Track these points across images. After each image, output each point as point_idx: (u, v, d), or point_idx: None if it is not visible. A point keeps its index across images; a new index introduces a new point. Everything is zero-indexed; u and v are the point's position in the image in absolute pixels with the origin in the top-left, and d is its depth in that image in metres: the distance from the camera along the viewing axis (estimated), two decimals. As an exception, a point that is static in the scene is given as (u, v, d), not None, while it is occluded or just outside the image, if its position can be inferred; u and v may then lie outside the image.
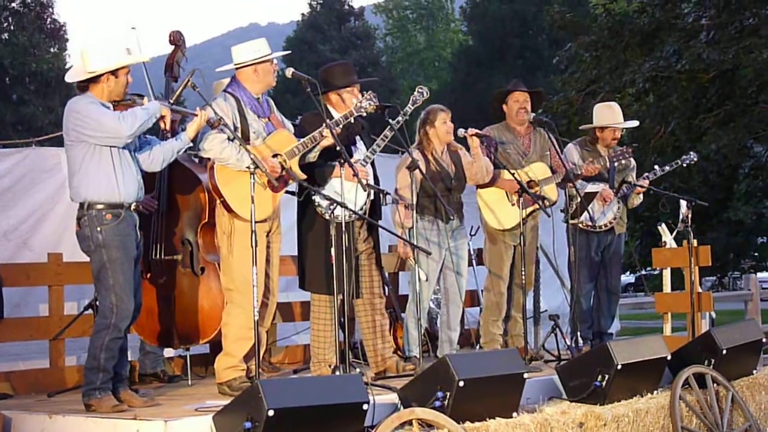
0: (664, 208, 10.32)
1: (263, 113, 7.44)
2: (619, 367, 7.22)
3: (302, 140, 7.32)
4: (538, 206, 8.77)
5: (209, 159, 7.27)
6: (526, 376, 6.81)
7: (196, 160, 8.42)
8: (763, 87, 18.54)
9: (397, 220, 8.41)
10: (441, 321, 8.86)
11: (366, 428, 5.95)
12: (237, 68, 7.44)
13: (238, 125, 7.22)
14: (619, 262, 9.95)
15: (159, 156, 6.91)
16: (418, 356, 8.14)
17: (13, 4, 37.38)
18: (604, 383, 7.25)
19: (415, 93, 8.14)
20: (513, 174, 8.70)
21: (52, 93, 35.78)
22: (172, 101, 7.44)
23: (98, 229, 6.55)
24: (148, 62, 7.14)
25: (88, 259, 6.70)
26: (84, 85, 6.70)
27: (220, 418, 5.78)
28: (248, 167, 6.78)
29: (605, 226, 9.53)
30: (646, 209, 19.45)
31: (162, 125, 6.72)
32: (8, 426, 6.49)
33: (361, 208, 7.67)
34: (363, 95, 7.61)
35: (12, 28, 36.88)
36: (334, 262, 7.13)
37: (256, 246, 6.73)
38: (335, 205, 7.10)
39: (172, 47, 8.60)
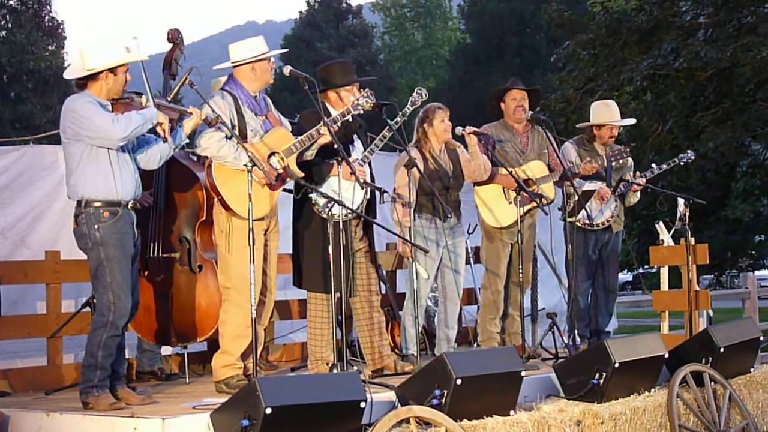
0: (661, 206, 10.35)
1: (261, 111, 7.44)
2: (617, 365, 7.23)
3: (300, 138, 7.32)
4: (535, 204, 8.79)
5: (207, 157, 7.27)
6: (523, 374, 6.82)
7: (195, 158, 8.42)
8: (760, 85, 18.55)
9: (395, 219, 8.42)
10: (438, 319, 8.86)
11: (363, 426, 5.96)
12: (234, 66, 7.43)
13: (236, 123, 7.22)
14: (616, 260, 9.97)
15: (156, 154, 6.92)
16: (415, 354, 8.16)
17: (11, 2, 37.38)
18: (601, 381, 7.26)
19: (414, 94, 8.15)
20: (511, 172, 8.70)
21: (50, 91, 35.76)
22: (169, 99, 7.44)
23: (95, 226, 6.55)
24: (146, 61, 7.12)
25: (85, 256, 6.70)
26: (82, 83, 6.70)
27: (218, 415, 5.78)
28: (246, 165, 6.78)
29: (603, 224, 9.55)
30: (644, 207, 19.47)
31: (161, 132, 6.69)
32: (6, 424, 6.49)
33: (358, 207, 7.67)
34: (360, 93, 7.61)
35: (10, 25, 36.86)
36: (331, 260, 7.13)
37: (253, 244, 6.73)
38: (332, 203, 7.11)
39: (170, 45, 8.59)
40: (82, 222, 6.60)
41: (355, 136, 7.99)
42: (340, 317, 7.64)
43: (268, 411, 5.40)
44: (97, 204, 6.57)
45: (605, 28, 20.44)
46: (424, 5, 58.59)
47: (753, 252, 31.67)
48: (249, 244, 6.71)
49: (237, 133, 7.09)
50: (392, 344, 9.04)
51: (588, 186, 9.45)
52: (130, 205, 6.72)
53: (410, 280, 8.26)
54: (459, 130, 8.53)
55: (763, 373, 8.69)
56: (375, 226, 7.94)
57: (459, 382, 6.26)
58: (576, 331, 9.05)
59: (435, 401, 6.27)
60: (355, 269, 7.87)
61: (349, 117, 7.55)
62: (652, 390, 7.69)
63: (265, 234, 7.37)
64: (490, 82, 36.58)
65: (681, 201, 9.63)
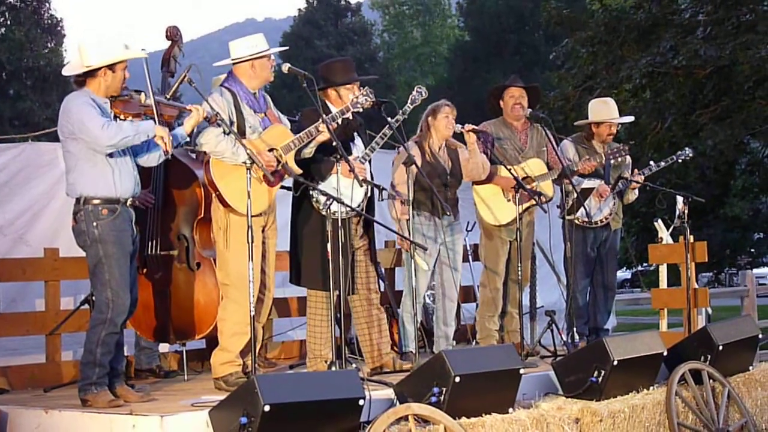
0: (660, 204, 10.33)
1: (260, 108, 7.44)
2: (615, 362, 7.23)
3: (298, 135, 7.32)
4: (534, 202, 8.79)
5: (205, 153, 7.27)
6: (522, 371, 6.83)
7: (194, 155, 8.42)
8: (759, 83, 18.55)
9: (393, 216, 8.43)
10: (436, 316, 8.87)
11: (362, 424, 5.96)
12: (234, 63, 7.43)
13: (234, 120, 7.21)
14: (615, 257, 9.98)
15: (156, 153, 6.91)
16: (414, 352, 8.16)
17: (10, 0, 37.33)
18: (600, 379, 7.26)
19: (414, 92, 8.16)
20: (509, 170, 8.71)
21: (49, 88, 35.70)
22: (168, 96, 7.44)
23: (94, 224, 6.55)
24: (145, 58, 7.12)
25: (84, 254, 6.70)
26: (81, 80, 6.69)
27: (216, 413, 5.78)
28: (244, 162, 6.77)
29: (601, 221, 9.56)
30: (643, 205, 19.47)
31: (162, 146, 6.66)
32: (4, 421, 6.49)
33: (359, 205, 7.67)
34: (359, 91, 7.61)
35: (9, 23, 36.80)
36: (330, 258, 7.13)
37: (252, 242, 6.73)
38: (332, 200, 7.11)
39: (169, 42, 8.59)
40: (80, 219, 6.60)
41: (355, 134, 7.99)
42: (338, 315, 7.64)
43: (267, 408, 5.40)
44: (96, 201, 6.57)
45: (604, 25, 20.45)
46: (423, 3, 58.52)
47: (752, 250, 31.72)
48: (248, 242, 6.71)
49: (235, 130, 7.09)
50: (392, 342, 9.05)
51: (587, 184, 9.46)
52: (128, 202, 6.72)
53: (408, 278, 8.27)
54: (458, 127, 8.53)
55: (762, 371, 8.69)
56: (375, 224, 7.94)
57: (458, 379, 6.26)
58: (575, 329, 9.05)
59: (434, 399, 6.27)
60: (355, 267, 7.87)
61: (348, 115, 7.55)
62: (651, 388, 7.69)
63: (263, 231, 7.37)
64: (489, 79, 36.65)
65: (680, 199, 9.63)
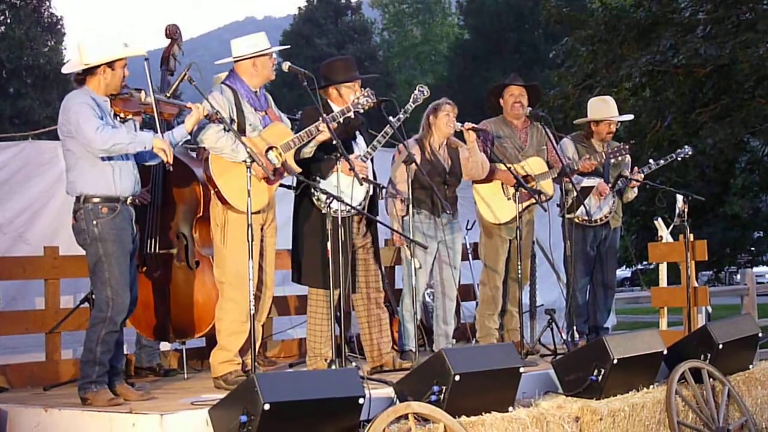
0: (660, 202, 10.33)
1: (260, 107, 7.44)
2: (615, 361, 7.24)
3: (298, 134, 7.32)
4: (534, 201, 8.79)
5: (205, 150, 7.27)
6: (522, 370, 6.83)
7: (194, 154, 8.43)
8: (759, 82, 18.53)
9: (392, 212, 8.44)
10: (436, 315, 8.87)
11: (362, 422, 5.96)
12: (235, 61, 7.44)
13: (234, 118, 7.21)
14: (614, 256, 9.98)
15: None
16: (414, 350, 8.16)
17: (10, -2, 37.36)
18: (600, 378, 7.26)
19: (416, 91, 8.17)
20: (509, 168, 8.71)
21: (49, 87, 35.71)
22: (168, 95, 7.43)
23: (94, 222, 6.55)
24: (145, 57, 7.12)
25: (84, 252, 6.70)
26: (81, 78, 6.70)
27: (216, 411, 5.78)
28: (244, 161, 6.77)
29: (601, 220, 9.56)
30: (643, 204, 19.45)
31: (164, 157, 6.65)
32: (4, 419, 6.49)
33: (360, 203, 7.66)
34: (361, 92, 7.61)
35: (9, 21, 36.79)
36: (330, 256, 7.13)
37: (252, 240, 6.72)
38: (332, 199, 7.12)
39: (168, 41, 8.59)
40: (80, 218, 6.60)
41: (357, 132, 7.99)
42: (338, 313, 7.64)
43: (267, 407, 5.41)
44: (96, 200, 6.57)
45: (604, 24, 20.43)
46: (423, 1, 58.52)
47: (752, 248, 31.72)
48: (248, 240, 6.70)
49: (236, 128, 7.09)
50: (392, 341, 9.04)
51: (586, 182, 9.46)
52: (128, 201, 6.72)
53: (408, 276, 8.27)
54: (458, 126, 8.53)
55: (762, 369, 8.69)
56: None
57: (457, 378, 6.27)
58: (574, 328, 9.05)
59: (433, 397, 6.28)
60: (356, 265, 7.87)
61: (350, 114, 7.55)
62: (651, 386, 7.70)
63: (261, 229, 7.36)
64: (489, 78, 36.66)
65: (680, 197, 9.63)
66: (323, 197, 7.38)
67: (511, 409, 6.65)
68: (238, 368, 7.22)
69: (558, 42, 23.39)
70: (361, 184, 7.51)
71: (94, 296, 6.85)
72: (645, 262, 26.42)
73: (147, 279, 7.92)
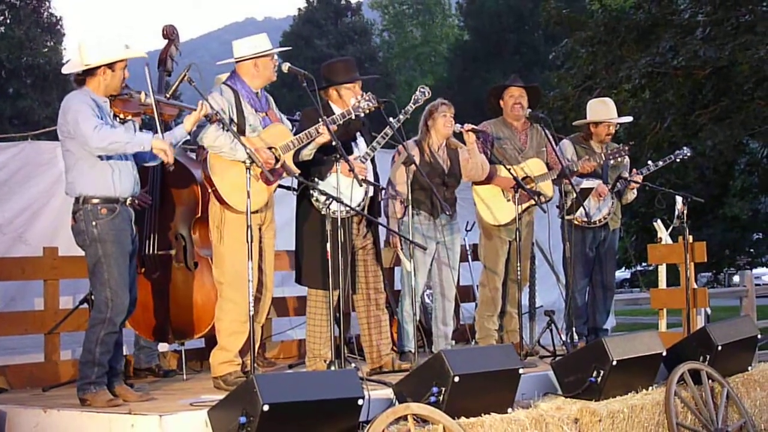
0: (659, 204, 10.33)
1: (261, 108, 7.44)
2: (615, 363, 7.24)
3: (298, 135, 7.32)
4: (533, 202, 8.79)
5: (203, 149, 7.27)
6: (521, 371, 6.83)
7: (193, 155, 8.43)
8: (759, 83, 18.53)
9: (391, 212, 8.44)
10: (434, 316, 8.87)
11: (361, 423, 5.96)
12: (237, 62, 7.44)
13: (235, 119, 7.21)
14: (613, 257, 9.98)
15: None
16: (413, 351, 8.16)
17: (10, -2, 37.35)
18: (599, 379, 7.27)
19: (417, 92, 8.16)
20: (509, 169, 8.71)
21: (48, 87, 35.69)
22: (168, 96, 7.43)
23: (93, 223, 6.55)
24: (145, 58, 7.12)
25: (83, 253, 6.70)
26: (81, 79, 6.70)
27: (215, 412, 5.78)
28: (244, 162, 6.76)
29: (600, 221, 9.56)
30: (642, 205, 19.46)
31: (164, 158, 6.64)
32: (3, 420, 6.49)
33: (359, 204, 7.66)
34: (362, 96, 7.61)
35: (9, 21, 36.79)
36: (330, 257, 7.13)
37: (251, 241, 6.72)
38: (331, 200, 7.12)
39: (166, 41, 8.58)
40: (80, 219, 6.60)
41: (358, 133, 7.98)
42: (338, 314, 7.64)
43: (266, 408, 5.40)
44: (95, 201, 6.57)
45: (604, 26, 20.43)
46: (423, 2, 58.54)
47: (751, 250, 31.71)
48: (247, 241, 6.70)
49: (235, 129, 7.08)
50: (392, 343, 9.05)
51: (586, 184, 9.45)
52: (128, 202, 6.72)
53: (406, 278, 8.27)
54: (457, 127, 8.53)
55: (761, 371, 8.69)
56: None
57: (457, 379, 6.27)
58: (574, 329, 9.06)
59: (433, 398, 6.28)
60: (356, 266, 7.87)
61: (351, 117, 7.55)
62: (650, 388, 7.70)
63: (260, 230, 7.36)
64: (489, 79, 36.63)
65: (679, 199, 9.63)
66: (322, 198, 7.38)
67: (510, 410, 6.65)
68: (237, 369, 7.22)
69: (558, 43, 23.38)
70: (361, 185, 7.51)
71: (93, 297, 6.85)
72: (644, 264, 26.45)
73: (146, 280, 7.92)
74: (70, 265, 8.10)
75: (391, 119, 7.89)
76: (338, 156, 7.33)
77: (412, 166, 7.87)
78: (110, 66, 6.66)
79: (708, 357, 8.10)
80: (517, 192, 8.59)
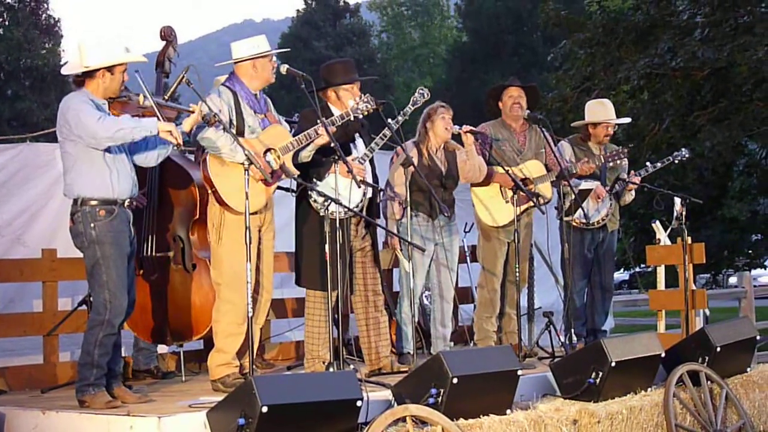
0: (658, 205, 10.34)
1: (260, 109, 7.44)
2: (613, 364, 7.23)
3: (297, 137, 7.32)
4: (532, 204, 8.79)
5: (202, 151, 7.26)
6: (519, 373, 6.82)
7: (191, 157, 8.42)
8: (757, 85, 18.53)
9: (390, 213, 8.45)
10: (433, 318, 8.87)
11: (359, 425, 5.96)
12: (236, 63, 7.44)
13: (233, 120, 7.21)
14: (612, 258, 9.97)
15: (153, 151, 6.91)
16: (411, 353, 8.16)
17: (8, 0, 37.29)
18: (598, 380, 7.26)
19: (416, 94, 8.16)
20: (507, 171, 8.71)
21: (47, 89, 35.68)
22: (166, 97, 7.44)
23: (92, 225, 6.55)
24: (145, 62, 7.12)
25: (82, 255, 6.70)
26: (80, 80, 6.70)
27: (214, 414, 5.78)
28: (242, 163, 6.76)
29: (598, 223, 9.56)
30: (641, 207, 19.47)
31: (172, 141, 6.64)
32: (2, 422, 6.50)
33: (357, 205, 7.66)
34: (360, 97, 7.61)
35: (7, 23, 36.78)
36: (328, 258, 7.13)
37: (250, 243, 6.72)
38: (329, 201, 7.12)
39: (163, 43, 8.58)
40: (78, 220, 6.60)
41: (357, 135, 7.98)
42: (336, 316, 7.63)
43: (264, 410, 5.40)
44: (93, 202, 6.57)
45: (602, 27, 20.43)
46: (422, 4, 58.55)
47: (750, 251, 31.68)
48: (246, 243, 6.69)
49: (234, 131, 7.08)
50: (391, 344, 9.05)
51: (584, 185, 9.45)
52: (126, 203, 6.71)
53: (405, 279, 8.26)
54: (456, 128, 8.54)
55: (760, 372, 8.68)
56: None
57: (455, 381, 6.26)
58: (572, 330, 9.06)
59: (431, 400, 6.27)
60: (355, 268, 7.87)
61: (350, 118, 7.54)
62: (649, 389, 7.69)
63: (259, 231, 7.36)
64: (487, 80, 36.62)
65: (678, 200, 9.62)
66: (320, 199, 7.38)
67: (509, 411, 6.64)
68: (235, 371, 7.22)
69: (556, 45, 23.40)
70: (359, 187, 7.51)
71: (91, 299, 6.85)
72: (643, 265, 26.41)
73: (144, 282, 7.92)
74: (68, 266, 8.10)
75: (389, 120, 7.89)
76: (337, 157, 7.33)
77: (411, 168, 7.88)
78: (110, 69, 6.66)
79: (707, 358, 8.10)
80: (516, 193, 8.59)
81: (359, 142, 7.98)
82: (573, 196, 9.08)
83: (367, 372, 7.87)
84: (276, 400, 5.48)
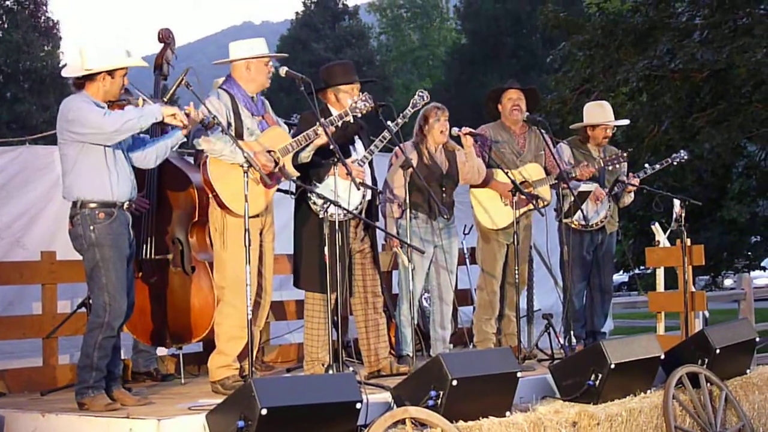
0: (657, 207, 10.33)
1: (258, 112, 7.45)
2: (613, 366, 7.23)
3: (296, 138, 7.32)
4: (531, 206, 8.79)
5: (201, 152, 7.27)
6: (519, 375, 6.82)
7: (190, 159, 8.42)
8: (756, 86, 18.52)
9: (388, 212, 8.45)
10: (432, 320, 8.87)
11: (359, 427, 5.96)
12: (231, 62, 7.44)
13: (232, 122, 7.22)
14: (611, 260, 9.96)
15: (152, 153, 6.91)
16: (411, 355, 8.16)
17: (7, 2, 37.28)
18: (597, 382, 7.26)
19: (416, 96, 8.18)
20: (507, 173, 8.70)
21: (46, 91, 35.70)
22: (165, 100, 7.43)
23: (91, 227, 6.55)
24: (146, 67, 7.12)
25: (81, 257, 6.69)
26: (80, 83, 6.70)
27: (213, 416, 5.78)
28: (242, 165, 6.76)
29: (597, 224, 9.55)
30: (640, 208, 19.45)
31: (178, 124, 6.64)
32: (1, 424, 6.49)
33: (356, 208, 7.66)
34: (359, 96, 7.61)
35: (6, 25, 36.79)
36: (327, 260, 7.13)
37: (249, 245, 6.72)
38: (329, 203, 7.12)
39: (161, 45, 8.57)
40: (77, 223, 6.60)
41: (356, 137, 7.98)
42: (336, 318, 7.63)
43: (264, 412, 5.40)
44: (93, 205, 6.57)
45: (601, 29, 20.42)
46: (421, 6, 58.59)
47: (749, 253, 31.69)
48: (245, 245, 6.69)
49: (233, 133, 7.08)
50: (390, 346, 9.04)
51: (583, 187, 9.45)
52: (125, 206, 6.71)
53: (404, 281, 8.26)
54: (455, 130, 8.54)
55: (759, 374, 8.68)
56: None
57: (455, 383, 6.26)
58: (572, 332, 9.07)
59: (431, 402, 6.27)
60: (353, 270, 7.87)
61: (348, 118, 7.54)
62: (648, 391, 7.69)
63: (260, 234, 7.37)
64: (486, 82, 36.61)
65: (677, 202, 9.62)
66: (319, 201, 7.38)
67: (508, 413, 6.64)
68: (235, 373, 7.22)
69: (555, 47, 23.37)
70: (358, 189, 7.51)
71: (91, 301, 6.85)
72: (642, 267, 26.40)
73: (143, 284, 7.92)
74: (67, 269, 8.09)
75: (388, 122, 7.89)
76: (336, 159, 7.33)
77: (410, 169, 7.88)
78: (110, 73, 6.66)
79: (706, 360, 8.10)
80: (515, 196, 8.59)
81: (358, 144, 7.98)
82: (572, 198, 9.08)
83: (367, 374, 7.88)
84: (275, 403, 5.48)
